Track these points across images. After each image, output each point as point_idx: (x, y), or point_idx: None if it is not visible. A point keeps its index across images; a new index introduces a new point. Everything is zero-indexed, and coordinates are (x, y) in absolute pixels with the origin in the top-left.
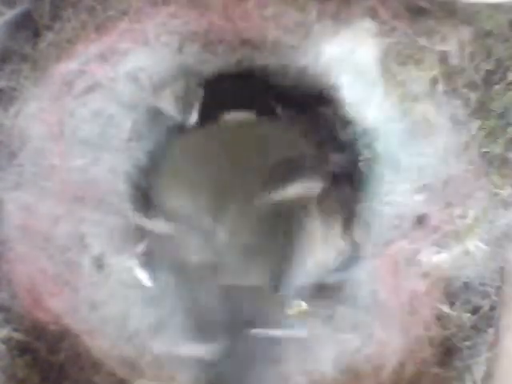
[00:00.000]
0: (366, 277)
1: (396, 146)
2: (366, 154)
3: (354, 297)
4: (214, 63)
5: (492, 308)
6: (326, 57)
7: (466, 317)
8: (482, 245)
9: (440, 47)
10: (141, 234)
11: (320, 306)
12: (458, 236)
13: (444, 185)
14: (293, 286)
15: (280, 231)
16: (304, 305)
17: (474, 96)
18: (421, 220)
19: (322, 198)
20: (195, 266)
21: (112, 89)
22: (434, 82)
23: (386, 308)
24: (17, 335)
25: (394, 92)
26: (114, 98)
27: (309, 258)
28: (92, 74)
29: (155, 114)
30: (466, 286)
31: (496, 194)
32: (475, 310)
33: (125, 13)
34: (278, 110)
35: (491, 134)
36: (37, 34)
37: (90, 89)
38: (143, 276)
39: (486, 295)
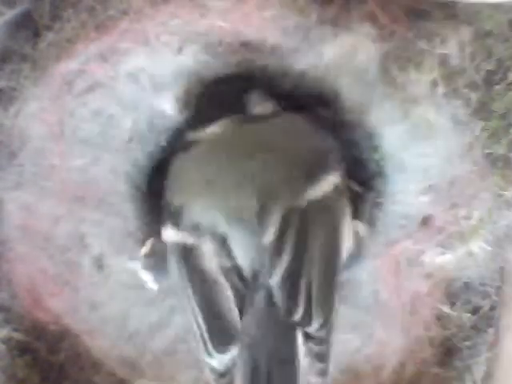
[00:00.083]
0: (368, 277)
1: (399, 147)
2: (367, 155)
3: (355, 296)
4: (213, 64)
5: (492, 308)
6: (326, 60)
7: (466, 317)
8: (485, 246)
9: (440, 50)
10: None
11: None
12: (462, 237)
13: (449, 186)
14: None
15: (323, 227)
16: None
17: (474, 96)
18: (426, 221)
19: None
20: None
21: (112, 89)
22: (434, 84)
23: (386, 308)
24: (17, 335)
25: (394, 95)
26: (114, 97)
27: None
28: (92, 73)
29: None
30: (467, 286)
31: (500, 195)
32: (475, 310)
33: (125, 13)
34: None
35: (494, 135)
36: (37, 34)
37: (90, 88)
38: (148, 278)
39: (486, 295)
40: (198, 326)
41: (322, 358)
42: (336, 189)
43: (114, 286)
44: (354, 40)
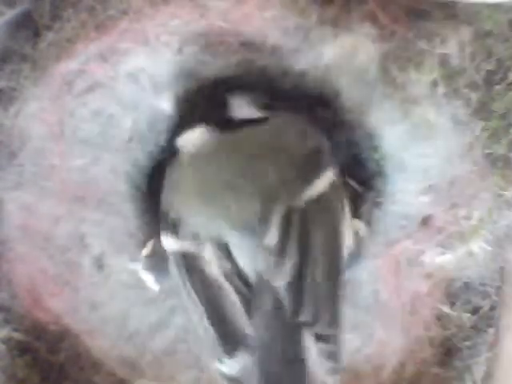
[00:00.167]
0: (368, 276)
1: (399, 147)
2: (367, 155)
3: (355, 296)
4: (213, 64)
5: (492, 308)
6: (326, 60)
7: (466, 317)
8: (485, 246)
9: (440, 50)
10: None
11: None
12: (462, 237)
13: (449, 186)
14: None
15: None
16: None
17: (474, 96)
18: (426, 221)
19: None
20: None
21: (112, 89)
22: (434, 84)
23: (386, 308)
24: (17, 335)
25: (394, 95)
26: (114, 97)
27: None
28: (92, 73)
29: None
30: (467, 286)
31: (500, 195)
32: (475, 310)
33: (125, 12)
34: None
35: (494, 135)
36: (37, 34)
37: (90, 88)
38: (149, 279)
39: (486, 295)
40: (206, 332)
41: (332, 356)
42: (332, 186)
43: (114, 286)
44: (354, 40)
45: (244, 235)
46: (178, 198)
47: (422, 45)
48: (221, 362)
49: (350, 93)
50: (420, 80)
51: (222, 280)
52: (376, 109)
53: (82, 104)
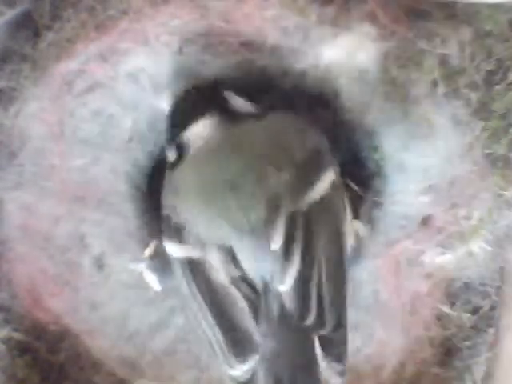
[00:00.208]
0: (368, 276)
1: (399, 147)
2: (367, 155)
3: (355, 296)
4: (213, 64)
5: (492, 308)
6: (326, 60)
7: (466, 317)
8: (485, 246)
9: (440, 50)
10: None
11: None
12: (462, 237)
13: (449, 186)
14: None
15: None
16: None
17: (474, 96)
18: (426, 221)
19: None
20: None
21: (112, 89)
22: (434, 84)
23: (386, 308)
24: (17, 335)
25: (394, 95)
26: (114, 97)
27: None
28: (92, 73)
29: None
30: (467, 286)
31: (500, 195)
32: (475, 310)
33: (125, 12)
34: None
35: (494, 135)
36: (37, 34)
37: (90, 88)
38: (152, 279)
39: (486, 295)
40: (216, 338)
41: (339, 358)
42: (333, 186)
43: (114, 286)
44: (354, 40)
45: (248, 239)
46: (180, 201)
47: (422, 45)
48: (232, 367)
49: (349, 93)
50: (420, 80)
51: (229, 286)
52: (376, 109)
53: (82, 104)
